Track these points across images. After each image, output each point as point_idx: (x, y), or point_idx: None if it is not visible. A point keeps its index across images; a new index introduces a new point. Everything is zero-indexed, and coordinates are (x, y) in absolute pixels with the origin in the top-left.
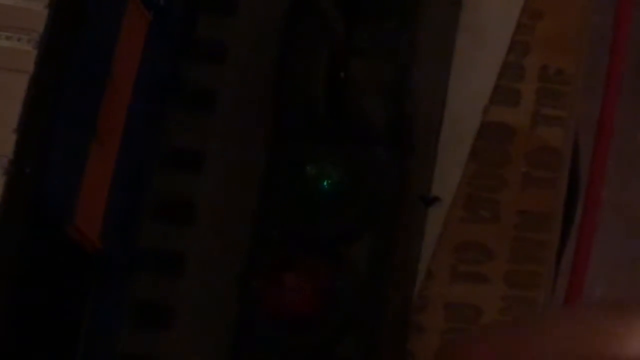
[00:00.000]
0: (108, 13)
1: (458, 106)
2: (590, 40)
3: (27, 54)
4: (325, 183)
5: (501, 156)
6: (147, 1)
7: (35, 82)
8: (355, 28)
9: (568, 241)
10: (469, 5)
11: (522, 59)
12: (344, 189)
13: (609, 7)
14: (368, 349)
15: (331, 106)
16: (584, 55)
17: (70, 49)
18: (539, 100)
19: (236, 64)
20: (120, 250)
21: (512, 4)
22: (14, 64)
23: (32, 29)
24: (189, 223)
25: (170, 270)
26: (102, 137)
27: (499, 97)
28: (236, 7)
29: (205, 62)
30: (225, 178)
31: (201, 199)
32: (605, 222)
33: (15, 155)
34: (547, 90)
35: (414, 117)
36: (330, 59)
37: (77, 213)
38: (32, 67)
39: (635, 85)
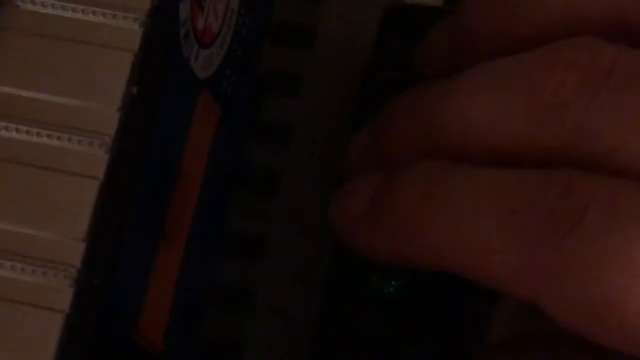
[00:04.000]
0: (180, 111)
1: None
2: None
3: (98, 159)
4: (391, 287)
5: None
6: (216, 93)
7: (106, 188)
8: None
9: None
10: None
11: None
12: (409, 292)
13: None
14: None
15: None
16: None
17: (141, 152)
18: None
19: (301, 145)
20: (182, 349)
21: None
22: (84, 170)
23: (104, 132)
24: (249, 312)
25: None
26: (170, 238)
27: None
28: (301, 87)
29: (270, 143)
30: (287, 265)
31: (261, 287)
32: None
33: (83, 265)
34: None
35: None
36: None
37: (142, 318)
38: (102, 173)
39: None
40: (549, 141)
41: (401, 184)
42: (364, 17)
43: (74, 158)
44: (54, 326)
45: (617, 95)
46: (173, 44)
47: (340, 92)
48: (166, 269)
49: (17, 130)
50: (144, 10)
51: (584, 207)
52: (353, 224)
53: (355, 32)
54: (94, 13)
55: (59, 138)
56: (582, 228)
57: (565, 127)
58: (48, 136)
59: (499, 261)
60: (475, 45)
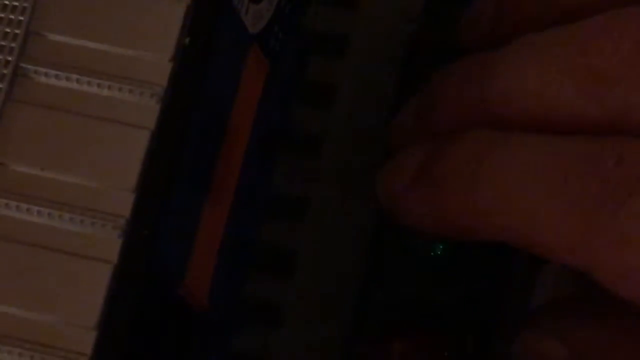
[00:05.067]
0: (230, 64)
1: None
2: None
3: (149, 109)
4: (437, 250)
5: None
6: (265, 48)
7: (157, 139)
8: None
9: None
10: None
11: None
12: (454, 255)
13: None
14: None
15: None
16: None
17: (191, 103)
18: None
19: (346, 107)
20: (225, 307)
21: None
22: (135, 120)
23: (155, 82)
24: (289, 275)
25: (268, 324)
26: (216, 193)
27: None
28: (346, 49)
29: (314, 105)
30: (330, 228)
31: (303, 249)
32: None
33: (132, 216)
34: None
35: None
36: None
37: (188, 274)
38: (153, 123)
39: None
40: (600, 112)
41: (452, 151)
42: None
43: (125, 108)
44: (103, 277)
45: None
46: None
47: (386, 53)
48: (212, 224)
49: (67, 78)
50: None
51: (638, 176)
52: (401, 194)
53: None
54: None
55: (109, 87)
56: (637, 197)
57: (615, 99)
58: (99, 85)
59: (553, 229)
60: (521, 16)
